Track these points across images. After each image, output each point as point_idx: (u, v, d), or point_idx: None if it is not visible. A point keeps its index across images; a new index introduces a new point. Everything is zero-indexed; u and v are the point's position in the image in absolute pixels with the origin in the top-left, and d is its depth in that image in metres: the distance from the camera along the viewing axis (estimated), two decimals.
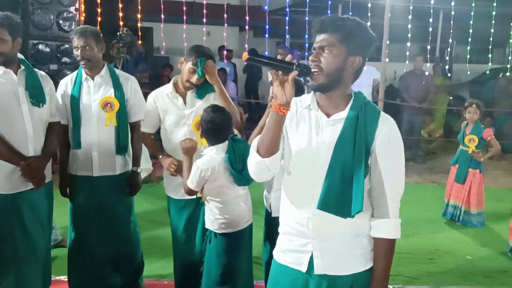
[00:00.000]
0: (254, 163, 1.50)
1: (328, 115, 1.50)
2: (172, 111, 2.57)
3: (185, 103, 2.57)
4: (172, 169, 2.50)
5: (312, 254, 1.51)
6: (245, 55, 1.32)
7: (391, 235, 1.51)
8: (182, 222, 2.61)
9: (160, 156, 2.60)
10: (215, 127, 2.25)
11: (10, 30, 2.33)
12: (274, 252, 1.63)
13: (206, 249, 2.40)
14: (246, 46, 7.25)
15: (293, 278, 1.55)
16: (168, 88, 2.60)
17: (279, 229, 1.62)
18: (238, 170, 2.24)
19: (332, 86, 1.48)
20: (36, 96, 2.40)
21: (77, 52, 2.57)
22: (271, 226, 2.38)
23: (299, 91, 1.63)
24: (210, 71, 2.46)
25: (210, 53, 2.53)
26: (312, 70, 1.45)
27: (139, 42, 6.07)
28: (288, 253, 1.56)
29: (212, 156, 2.27)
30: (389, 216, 1.50)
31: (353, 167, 1.44)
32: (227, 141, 2.29)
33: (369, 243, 1.54)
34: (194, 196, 2.41)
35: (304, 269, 1.52)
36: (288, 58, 1.40)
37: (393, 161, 1.50)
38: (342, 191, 1.44)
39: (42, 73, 2.56)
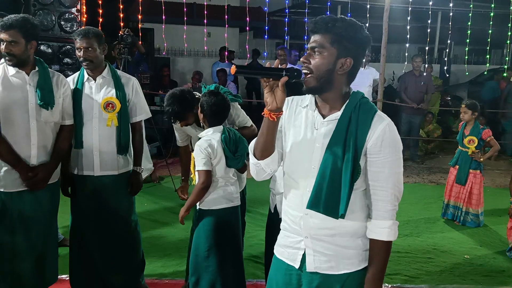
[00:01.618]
0: (252, 164, 1.57)
1: (324, 116, 1.51)
2: (190, 131, 2.91)
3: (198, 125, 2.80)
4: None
5: (305, 251, 1.54)
6: (233, 68, 1.37)
7: (384, 236, 1.48)
8: None
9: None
10: (217, 109, 2.47)
11: (24, 33, 2.35)
12: (275, 247, 1.67)
13: (195, 226, 2.52)
14: (247, 46, 7.30)
15: (287, 273, 1.59)
16: None
17: (281, 225, 1.66)
18: (232, 151, 2.44)
19: (324, 88, 1.48)
20: (45, 98, 2.42)
21: (79, 53, 2.59)
22: (273, 226, 2.41)
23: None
24: None
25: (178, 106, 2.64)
26: (303, 71, 1.46)
27: (140, 42, 6.10)
28: (285, 248, 1.61)
29: (209, 135, 2.47)
30: (384, 218, 1.48)
31: (342, 169, 1.44)
32: (222, 125, 2.51)
33: (363, 243, 1.54)
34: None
35: (297, 265, 1.56)
36: (276, 63, 1.44)
37: (387, 163, 1.47)
38: (331, 192, 1.44)
39: (60, 75, 2.57)
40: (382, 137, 1.45)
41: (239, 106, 2.89)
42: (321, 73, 1.45)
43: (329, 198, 1.44)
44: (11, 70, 2.41)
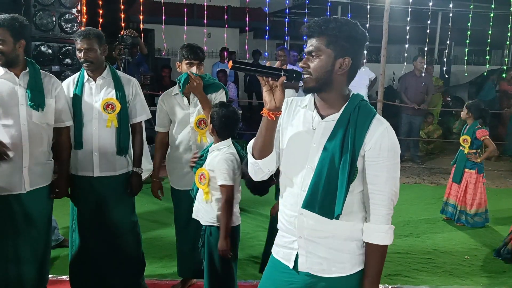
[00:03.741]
0: (250, 163, 1.58)
1: (323, 116, 1.52)
2: (178, 110, 2.79)
3: (189, 102, 2.78)
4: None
5: (298, 251, 1.55)
6: (231, 63, 1.38)
7: (380, 241, 1.49)
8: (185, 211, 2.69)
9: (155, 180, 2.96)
10: (227, 121, 2.37)
11: (12, 31, 2.33)
12: (273, 246, 1.69)
13: (206, 245, 2.42)
14: (247, 47, 7.30)
15: (282, 272, 1.60)
16: (175, 89, 2.81)
17: (277, 225, 1.67)
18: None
19: (323, 88, 1.49)
20: (35, 100, 2.40)
21: (80, 54, 2.59)
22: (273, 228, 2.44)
23: None
24: (193, 88, 2.67)
25: (198, 51, 2.74)
26: (304, 75, 1.48)
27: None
28: (280, 248, 1.62)
29: (230, 150, 2.38)
30: (380, 222, 1.49)
31: (339, 169, 1.44)
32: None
33: (358, 247, 1.53)
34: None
35: (291, 265, 1.56)
36: (277, 64, 1.45)
37: (385, 167, 1.47)
38: (327, 193, 1.44)
39: (52, 76, 2.56)
40: (381, 141, 1.46)
41: (225, 96, 2.87)
42: (320, 74, 1.46)
43: (325, 198, 1.45)
44: (0, 71, 2.38)
